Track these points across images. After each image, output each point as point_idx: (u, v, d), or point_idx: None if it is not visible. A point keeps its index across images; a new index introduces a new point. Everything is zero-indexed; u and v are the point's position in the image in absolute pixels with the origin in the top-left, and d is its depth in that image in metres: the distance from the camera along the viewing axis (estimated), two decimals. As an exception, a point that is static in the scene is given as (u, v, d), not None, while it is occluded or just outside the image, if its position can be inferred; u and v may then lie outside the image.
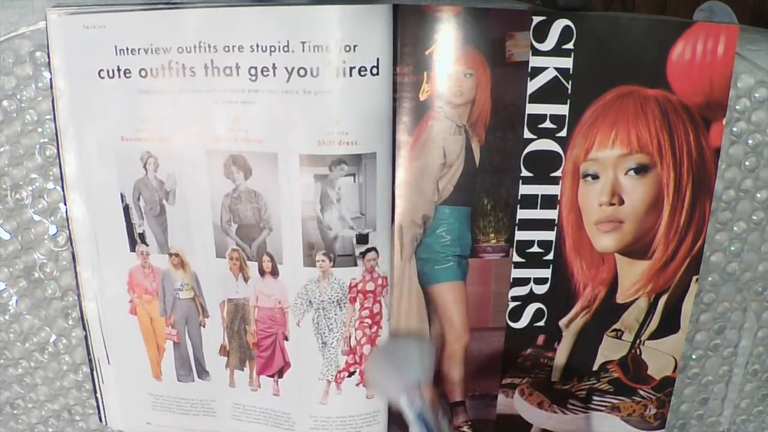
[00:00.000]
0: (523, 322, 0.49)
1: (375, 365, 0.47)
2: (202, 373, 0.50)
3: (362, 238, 0.45)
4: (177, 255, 0.47)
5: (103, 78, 0.43)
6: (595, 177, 0.47)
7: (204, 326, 0.49)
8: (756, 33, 0.47)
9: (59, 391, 0.51)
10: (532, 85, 0.44)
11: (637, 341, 0.50)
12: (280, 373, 0.49)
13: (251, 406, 0.50)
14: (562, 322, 0.50)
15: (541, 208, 0.47)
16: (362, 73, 0.42)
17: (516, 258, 0.48)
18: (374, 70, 0.42)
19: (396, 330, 0.48)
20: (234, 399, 0.51)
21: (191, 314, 0.49)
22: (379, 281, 0.47)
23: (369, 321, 0.48)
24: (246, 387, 0.50)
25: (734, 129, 0.47)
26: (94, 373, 0.50)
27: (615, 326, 0.50)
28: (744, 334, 0.52)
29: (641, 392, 0.52)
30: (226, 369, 0.50)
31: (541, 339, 0.50)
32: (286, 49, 0.41)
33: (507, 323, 0.49)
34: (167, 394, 0.51)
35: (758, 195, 0.49)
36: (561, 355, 0.50)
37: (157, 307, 0.49)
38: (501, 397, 0.51)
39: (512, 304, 0.49)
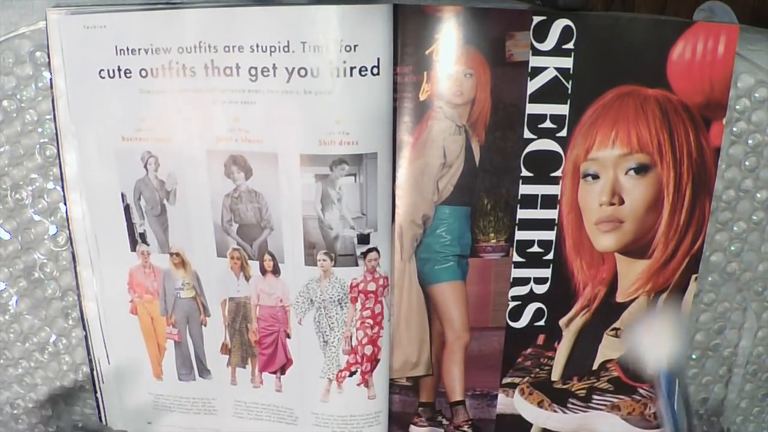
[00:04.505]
0: (523, 322, 0.49)
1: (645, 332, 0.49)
2: (204, 371, 0.50)
3: (364, 239, 0.45)
4: (178, 254, 0.47)
5: (103, 78, 0.43)
6: (596, 177, 0.47)
7: (205, 325, 0.49)
8: (756, 33, 0.47)
9: (59, 391, 0.51)
10: (532, 85, 0.44)
11: (637, 341, 0.50)
12: (282, 370, 0.49)
13: (253, 402, 0.51)
14: (562, 322, 0.50)
15: (541, 208, 0.47)
16: (363, 73, 0.42)
17: (516, 258, 0.48)
18: (375, 70, 0.42)
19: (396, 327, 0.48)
20: (235, 396, 0.51)
21: (192, 313, 0.49)
22: (381, 281, 0.47)
23: (371, 321, 0.48)
24: (248, 384, 0.50)
25: (734, 129, 0.47)
26: (94, 373, 0.50)
27: (615, 325, 0.50)
28: (744, 334, 0.52)
29: (641, 391, 0.52)
30: (227, 367, 0.50)
31: (541, 338, 0.50)
32: (286, 49, 0.41)
33: (507, 323, 0.49)
34: (168, 393, 0.51)
35: (758, 195, 0.49)
36: (561, 354, 0.51)
37: (157, 306, 0.49)
38: (501, 397, 0.51)
39: (512, 304, 0.49)
